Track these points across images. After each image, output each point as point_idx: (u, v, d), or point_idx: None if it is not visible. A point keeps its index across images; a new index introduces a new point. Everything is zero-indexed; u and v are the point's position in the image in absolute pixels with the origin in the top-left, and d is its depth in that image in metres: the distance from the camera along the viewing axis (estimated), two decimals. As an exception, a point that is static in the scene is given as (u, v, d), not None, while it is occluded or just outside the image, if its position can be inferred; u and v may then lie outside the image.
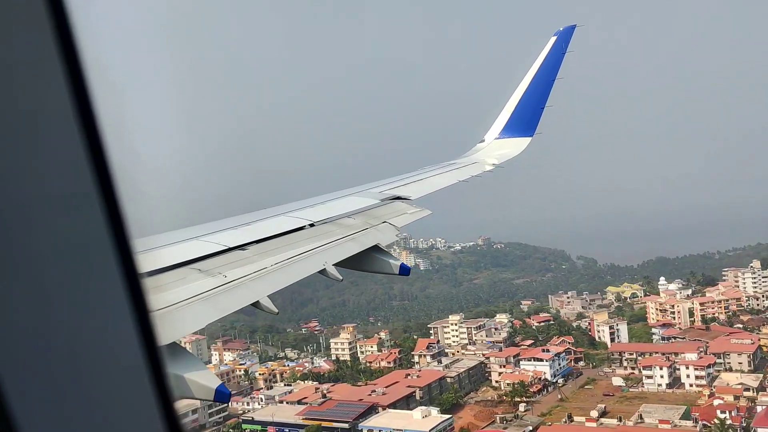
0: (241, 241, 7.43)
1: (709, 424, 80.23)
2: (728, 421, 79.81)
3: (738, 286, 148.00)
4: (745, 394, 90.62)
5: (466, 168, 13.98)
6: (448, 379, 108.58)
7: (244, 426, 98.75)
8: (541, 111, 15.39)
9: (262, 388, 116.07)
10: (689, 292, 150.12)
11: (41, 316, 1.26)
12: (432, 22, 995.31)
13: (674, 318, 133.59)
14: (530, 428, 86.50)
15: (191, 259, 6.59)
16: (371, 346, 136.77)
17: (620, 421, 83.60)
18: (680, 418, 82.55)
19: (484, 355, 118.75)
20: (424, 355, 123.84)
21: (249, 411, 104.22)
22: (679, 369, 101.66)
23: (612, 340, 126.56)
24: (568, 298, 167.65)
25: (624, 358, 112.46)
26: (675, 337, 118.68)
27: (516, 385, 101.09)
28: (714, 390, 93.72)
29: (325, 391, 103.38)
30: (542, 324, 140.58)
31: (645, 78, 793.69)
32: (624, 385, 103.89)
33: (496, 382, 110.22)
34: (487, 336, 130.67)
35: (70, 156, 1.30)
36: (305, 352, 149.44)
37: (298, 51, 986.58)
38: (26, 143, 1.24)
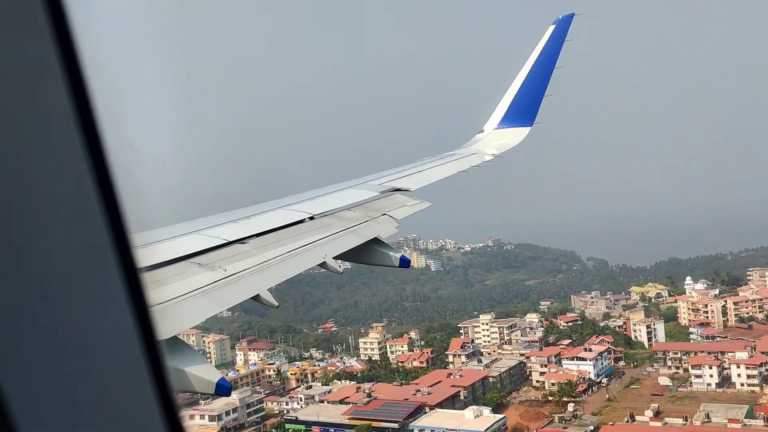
0: (240, 234, 7.41)
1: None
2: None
3: (767, 286, 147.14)
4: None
5: (466, 158, 13.88)
6: (491, 379, 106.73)
7: (287, 426, 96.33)
8: (540, 100, 15.25)
9: (294, 388, 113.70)
10: (716, 291, 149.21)
11: (40, 311, 1.25)
12: (430, 13, 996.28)
13: (707, 317, 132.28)
14: (591, 428, 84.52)
15: (191, 253, 6.56)
16: (401, 346, 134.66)
17: (686, 420, 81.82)
18: (744, 417, 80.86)
19: (522, 354, 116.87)
20: (459, 355, 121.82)
21: (288, 411, 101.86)
22: (728, 368, 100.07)
23: (649, 339, 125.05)
24: (591, 298, 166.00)
25: (668, 357, 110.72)
26: (716, 337, 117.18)
27: (563, 385, 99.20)
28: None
29: (368, 391, 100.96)
30: (570, 324, 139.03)
31: (645, 70, 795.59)
32: (671, 384, 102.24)
33: (537, 381, 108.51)
34: (522, 335, 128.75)
35: (70, 152, 1.30)
36: (330, 352, 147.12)
37: (296, 45, 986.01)
38: (26, 140, 1.24)
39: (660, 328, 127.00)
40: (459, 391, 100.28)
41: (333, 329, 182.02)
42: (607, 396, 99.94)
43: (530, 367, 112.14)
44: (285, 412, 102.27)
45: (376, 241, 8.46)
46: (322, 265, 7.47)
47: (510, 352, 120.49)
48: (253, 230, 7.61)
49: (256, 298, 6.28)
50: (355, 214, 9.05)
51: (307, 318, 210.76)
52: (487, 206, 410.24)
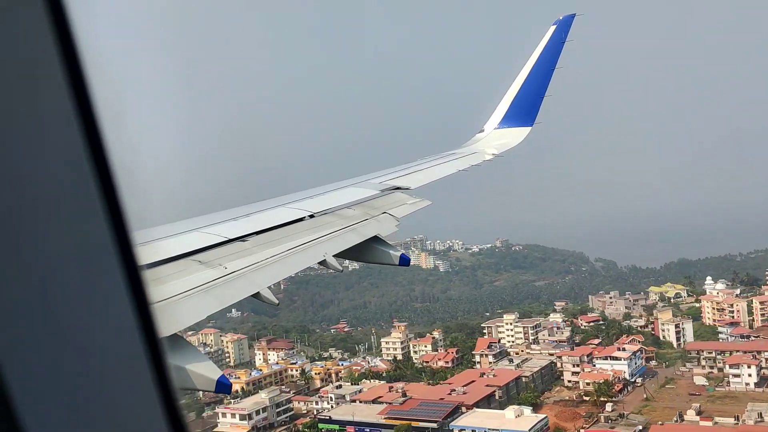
0: (241, 232, 7.41)
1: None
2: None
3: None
4: None
5: (466, 158, 13.95)
6: (524, 379, 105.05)
7: (320, 425, 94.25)
8: (540, 101, 15.25)
9: (321, 387, 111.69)
10: (737, 291, 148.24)
11: (42, 309, 1.25)
12: (432, 12, 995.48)
13: (732, 317, 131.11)
14: (640, 428, 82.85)
15: (191, 251, 6.55)
16: (425, 346, 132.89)
17: (737, 420, 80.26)
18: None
19: (552, 354, 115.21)
20: (486, 355, 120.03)
21: (319, 411, 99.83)
22: (766, 367, 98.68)
23: (677, 339, 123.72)
24: (610, 298, 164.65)
25: (702, 356, 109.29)
26: (749, 336, 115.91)
27: (601, 385, 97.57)
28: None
29: (402, 390, 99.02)
30: (591, 324, 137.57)
31: (645, 70, 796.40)
32: (708, 384, 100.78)
33: (569, 381, 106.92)
34: (549, 335, 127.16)
35: (71, 151, 1.30)
36: (349, 352, 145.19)
37: (297, 43, 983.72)
38: (27, 139, 1.24)
39: (689, 327, 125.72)
40: (494, 391, 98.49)
41: (346, 329, 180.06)
42: (644, 396, 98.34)
43: (562, 367, 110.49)
44: (315, 411, 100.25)
45: (376, 239, 8.45)
46: (322, 263, 7.45)
47: (539, 352, 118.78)
48: (253, 228, 7.63)
49: (257, 295, 6.27)
50: (355, 213, 9.11)
51: (317, 318, 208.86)
52: (488, 206, 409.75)
